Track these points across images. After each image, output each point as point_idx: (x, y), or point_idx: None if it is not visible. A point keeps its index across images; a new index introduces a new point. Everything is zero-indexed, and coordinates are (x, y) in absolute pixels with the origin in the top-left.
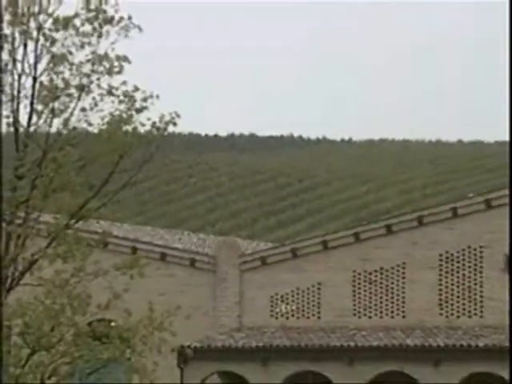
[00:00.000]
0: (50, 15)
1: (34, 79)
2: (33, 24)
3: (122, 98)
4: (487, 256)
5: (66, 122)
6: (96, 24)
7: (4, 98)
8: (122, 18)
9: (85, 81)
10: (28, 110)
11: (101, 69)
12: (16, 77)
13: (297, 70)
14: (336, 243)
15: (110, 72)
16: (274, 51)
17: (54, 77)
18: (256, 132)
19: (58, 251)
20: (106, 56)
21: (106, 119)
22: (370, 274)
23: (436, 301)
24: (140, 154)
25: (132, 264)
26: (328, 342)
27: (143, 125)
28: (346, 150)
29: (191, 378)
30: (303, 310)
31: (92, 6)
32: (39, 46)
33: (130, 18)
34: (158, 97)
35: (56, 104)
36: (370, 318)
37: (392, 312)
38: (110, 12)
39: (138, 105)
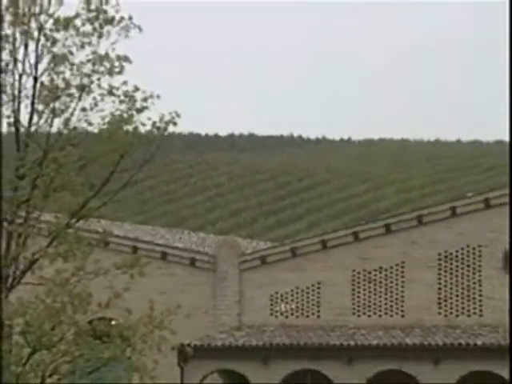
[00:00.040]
0: (50, 15)
1: (35, 79)
2: (34, 24)
3: (122, 98)
4: (486, 255)
5: (66, 122)
6: (96, 24)
7: (5, 98)
8: (122, 19)
9: (85, 81)
10: (29, 109)
11: (101, 69)
12: (17, 77)
13: (296, 70)
14: (335, 242)
15: (110, 72)
16: (274, 51)
17: (55, 77)
18: (256, 132)
19: (59, 250)
20: (106, 56)
21: (107, 119)
22: (370, 273)
23: (435, 300)
24: (140, 154)
25: (132, 263)
26: (327, 341)
27: (144, 124)
28: (345, 150)
29: (191, 376)
30: (303, 309)
31: (92, 7)
32: (40, 46)
33: (130, 18)
34: (158, 97)
35: (57, 104)
36: (369, 316)
37: (391, 311)
38: (111, 12)
39: (138, 105)
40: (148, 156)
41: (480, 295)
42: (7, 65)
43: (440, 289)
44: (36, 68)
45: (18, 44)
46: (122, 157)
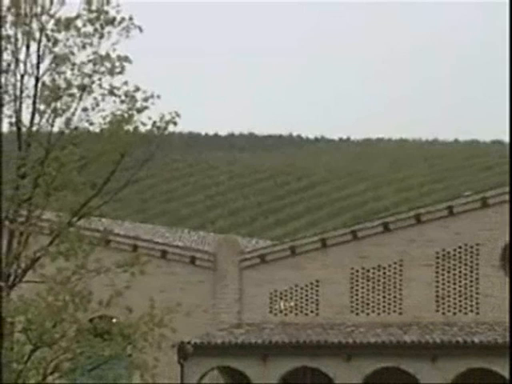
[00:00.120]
0: (52, 16)
1: (37, 79)
2: (35, 25)
3: (123, 97)
4: (483, 254)
5: (68, 122)
6: (97, 25)
7: (7, 98)
8: (123, 19)
9: (86, 81)
10: (30, 109)
11: (102, 69)
12: (19, 77)
13: (295, 70)
14: (334, 241)
15: (111, 72)
16: (273, 51)
17: (56, 77)
18: (255, 131)
19: (61, 249)
20: (107, 56)
21: (108, 119)
22: (368, 271)
23: (433, 298)
24: (141, 153)
25: (133, 261)
26: (326, 339)
27: (144, 124)
28: (344, 149)
29: (191, 373)
30: (302, 307)
31: (93, 7)
32: (42, 47)
33: (131, 18)
34: (158, 97)
35: (58, 104)
36: (367, 314)
37: (389, 309)
38: (112, 13)
39: (139, 105)
40: (148, 155)
41: (477, 293)
42: (9, 65)
43: (438, 287)
44: (38, 68)
45: (19, 44)
46: (123, 156)
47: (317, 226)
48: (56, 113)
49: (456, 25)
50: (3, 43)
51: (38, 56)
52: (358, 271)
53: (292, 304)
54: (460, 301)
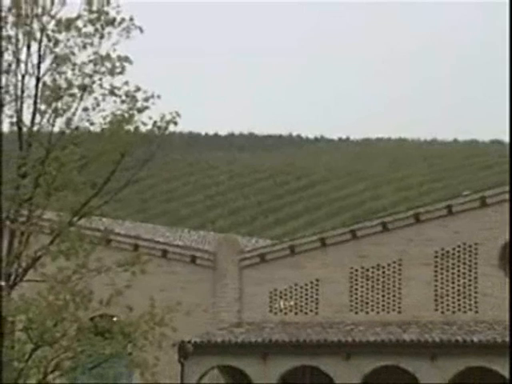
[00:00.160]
0: (52, 17)
1: (38, 79)
2: (36, 25)
3: (123, 98)
4: (482, 253)
5: (68, 122)
6: (98, 25)
7: (8, 98)
8: (123, 20)
9: (87, 81)
10: (31, 109)
11: (103, 69)
12: (20, 77)
13: (295, 70)
14: (333, 240)
15: (111, 72)
16: (273, 51)
17: (57, 77)
18: (255, 131)
19: (61, 248)
20: (108, 57)
21: (108, 119)
22: (367, 270)
23: (431, 297)
24: (141, 153)
25: (134, 261)
26: (326, 337)
27: (144, 124)
28: (344, 149)
29: (191, 372)
30: (301, 306)
31: (94, 8)
32: (42, 47)
33: (131, 19)
34: (159, 97)
35: (59, 104)
36: (366, 313)
37: (388, 308)
38: (112, 13)
39: (139, 105)
40: (149, 155)
41: (476, 292)
42: (10, 65)
43: (436, 286)
44: (38, 68)
45: (20, 45)
46: (123, 156)
47: (316, 226)
48: (57, 113)
49: (456, 25)
50: (4, 43)
51: (39, 56)
52: (357, 270)
53: (292, 303)
54: (459, 300)
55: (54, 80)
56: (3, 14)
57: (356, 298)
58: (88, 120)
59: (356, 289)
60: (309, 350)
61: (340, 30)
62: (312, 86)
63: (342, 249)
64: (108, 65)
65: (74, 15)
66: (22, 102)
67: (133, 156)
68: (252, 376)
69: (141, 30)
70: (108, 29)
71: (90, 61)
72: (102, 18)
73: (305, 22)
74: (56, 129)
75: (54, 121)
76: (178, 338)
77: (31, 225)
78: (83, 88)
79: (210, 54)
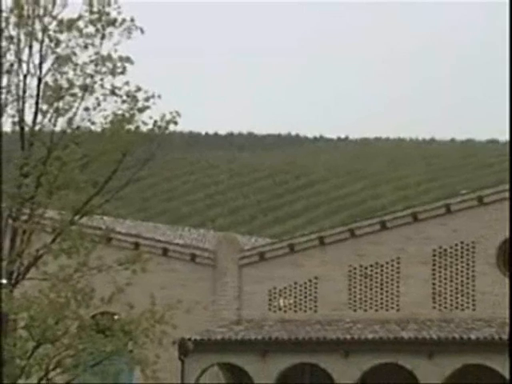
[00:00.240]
0: (54, 17)
1: (39, 79)
2: (38, 26)
3: (124, 97)
4: (479, 251)
5: (70, 121)
6: (99, 26)
7: (10, 98)
8: (124, 20)
9: (88, 81)
10: (33, 109)
11: (104, 69)
12: (21, 77)
13: (295, 70)
14: (332, 239)
15: (112, 72)
16: (273, 51)
17: (59, 77)
18: (254, 131)
19: (63, 246)
20: (109, 57)
21: (109, 118)
22: (366, 268)
23: (429, 294)
24: (142, 152)
25: (134, 259)
26: (324, 335)
27: (145, 124)
28: (343, 148)
29: (192, 369)
30: (300, 304)
31: (95, 9)
32: (44, 47)
33: (132, 19)
34: (159, 97)
35: (60, 104)
36: (365, 311)
37: (387, 305)
38: (113, 14)
39: (140, 104)
40: (149, 154)
41: (473, 290)
42: (12, 65)
43: (434, 284)
44: (40, 68)
45: (22, 45)
46: (124, 155)
47: (315, 224)
48: (58, 112)
49: (456, 25)
50: (6, 44)
51: (41, 56)
52: (355, 268)
53: (291, 301)
54: (457, 297)
55: (56, 80)
56: (5, 15)
57: (355, 296)
58: (89, 120)
59: (355, 287)
60: (308, 347)
61: (340, 30)
62: (312, 85)
63: (340, 247)
64: (109, 65)
65: (75, 16)
66: (23, 102)
67: (133, 155)
68: (251, 373)
69: (142, 31)
70: (109, 29)
71: (92, 61)
72: (103, 18)
73: (305, 22)
74: (58, 128)
75: (55, 120)
76: (178, 336)
77: (33, 223)
78: (84, 88)
79: (210, 54)
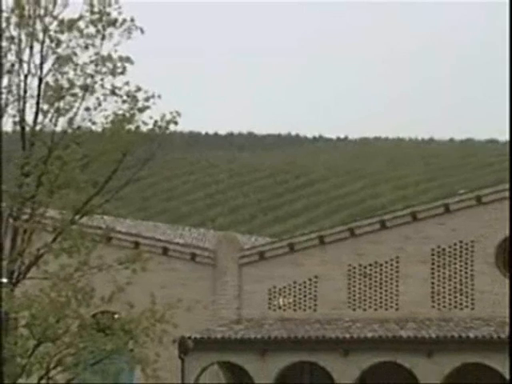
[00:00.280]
0: (55, 18)
1: (40, 79)
2: (39, 26)
3: (124, 97)
4: (478, 250)
5: (70, 121)
6: (100, 26)
7: (11, 98)
8: (124, 21)
9: (89, 81)
10: (34, 109)
11: (104, 69)
12: (22, 77)
13: (295, 70)
14: (332, 238)
15: (113, 73)
16: (272, 51)
17: (59, 77)
18: (254, 130)
19: (64, 246)
20: (109, 57)
21: (110, 118)
22: (365, 267)
23: (428, 294)
24: (142, 152)
25: (135, 258)
26: (324, 334)
27: (145, 124)
28: (342, 148)
29: (192, 368)
30: (300, 303)
31: (96, 9)
32: (45, 48)
33: (132, 20)
34: (159, 97)
35: (61, 103)
36: (364, 310)
37: (386, 305)
38: (113, 14)
39: (140, 104)
40: (149, 154)
41: (472, 289)
42: (13, 65)
43: (433, 283)
44: (41, 69)
45: (23, 45)
46: (125, 155)
47: (315, 224)
48: (59, 112)
49: (456, 25)
50: (7, 44)
51: (42, 56)
52: (355, 268)
53: (290, 300)
54: (455, 297)
55: (56, 80)
56: (6, 15)
57: (354, 295)
58: (90, 119)
59: (354, 286)
60: (307, 346)
61: (340, 30)
62: (312, 85)
63: (340, 246)
64: (109, 65)
65: (75, 16)
66: (24, 102)
67: (134, 155)
68: (251, 372)
69: (142, 31)
70: (109, 29)
71: (92, 61)
72: (104, 18)
73: (305, 22)
74: (58, 128)
75: (56, 120)
76: (178, 335)
77: (34, 223)
78: (85, 88)
79: (210, 54)
